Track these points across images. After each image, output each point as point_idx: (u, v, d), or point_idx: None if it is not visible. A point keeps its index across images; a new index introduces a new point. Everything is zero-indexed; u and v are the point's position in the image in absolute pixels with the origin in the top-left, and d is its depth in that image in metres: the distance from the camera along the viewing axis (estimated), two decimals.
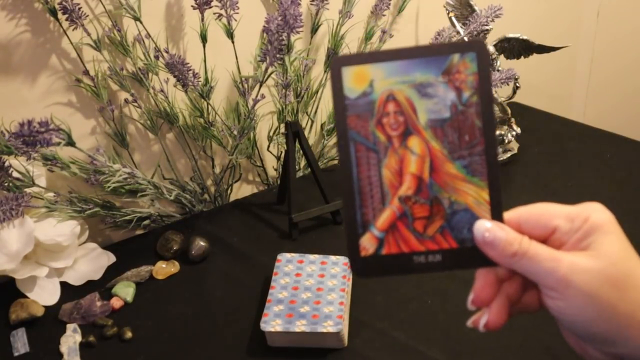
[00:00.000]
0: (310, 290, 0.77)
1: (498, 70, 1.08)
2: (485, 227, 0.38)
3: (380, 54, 0.39)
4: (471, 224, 0.39)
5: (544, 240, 0.39)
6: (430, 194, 0.39)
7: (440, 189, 0.39)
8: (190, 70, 0.87)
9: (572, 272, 0.36)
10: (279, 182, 1.04)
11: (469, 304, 0.41)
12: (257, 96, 0.94)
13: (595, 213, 0.39)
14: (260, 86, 0.92)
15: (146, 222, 0.97)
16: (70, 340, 0.76)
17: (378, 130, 0.39)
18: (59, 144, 0.75)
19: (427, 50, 0.39)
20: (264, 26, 0.85)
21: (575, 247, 0.38)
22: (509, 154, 1.15)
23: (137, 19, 0.88)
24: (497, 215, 0.39)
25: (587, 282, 0.36)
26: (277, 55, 0.86)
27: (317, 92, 1.08)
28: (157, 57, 0.92)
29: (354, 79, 0.39)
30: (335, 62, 0.39)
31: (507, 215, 0.40)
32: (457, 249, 0.40)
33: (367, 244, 0.40)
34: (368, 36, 1.13)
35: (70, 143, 0.77)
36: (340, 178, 0.40)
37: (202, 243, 0.90)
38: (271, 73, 0.91)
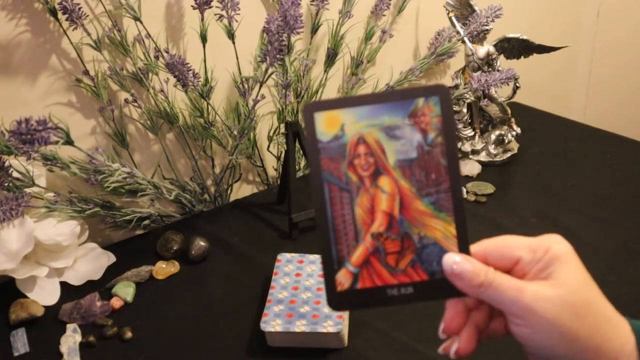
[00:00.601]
0: (310, 290, 0.77)
1: (498, 70, 1.08)
2: (453, 260, 0.40)
3: (350, 99, 0.42)
4: (440, 257, 0.41)
5: (508, 271, 0.41)
6: (401, 229, 0.42)
7: (410, 224, 0.42)
8: (190, 70, 0.87)
9: (535, 300, 0.39)
10: (279, 182, 1.04)
11: (440, 333, 0.43)
12: (257, 96, 0.94)
13: (555, 245, 0.41)
14: (261, 86, 0.92)
15: (146, 222, 0.97)
16: (70, 340, 0.75)
17: (350, 171, 0.41)
18: (57, 142, 0.74)
19: (394, 95, 0.41)
20: (264, 27, 0.85)
21: (537, 277, 0.40)
22: (509, 154, 1.15)
23: (137, 19, 0.88)
24: (464, 249, 0.41)
25: (549, 309, 0.39)
26: (277, 56, 0.86)
27: (317, 92, 1.08)
28: (157, 57, 0.92)
29: (326, 124, 0.41)
30: (308, 108, 0.41)
31: (474, 248, 0.42)
32: (427, 281, 0.41)
33: (343, 279, 0.41)
34: (368, 36, 1.13)
35: (69, 142, 0.77)
36: (316, 217, 0.42)
37: (202, 243, 0.90)
38: (271, 73, 0.91)
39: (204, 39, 0.92)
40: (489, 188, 1.05)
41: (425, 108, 0.41)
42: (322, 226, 0.42)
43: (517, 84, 1.13)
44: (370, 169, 0.41)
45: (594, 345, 0.40)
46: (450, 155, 0.41)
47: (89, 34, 0.86)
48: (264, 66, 0.90)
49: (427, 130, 0.41)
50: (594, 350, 0.40)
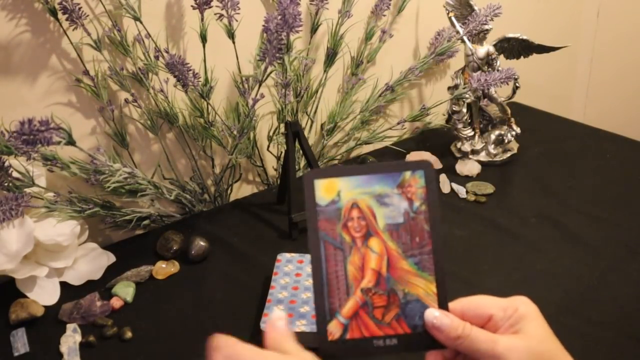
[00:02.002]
0: (310, 290, 0.77)
1: (498, 70, 1.08)
2: (433, 315, 0.45)
3: (347, 169, 0.47)
4: (422, 312, 0.46)
5: (482, 326, 0.46)
6: (388, 286, 0.46)
7: (395, 282, 0.46)
8: (190, 70, 0.87)
9: (507, 350, 0.44)
10: (279, 182, 1.04)
11: None
12: (256, 96, 0.94)
13: (523, 305, 0.46)
14: (260, 86, 0.92)
15: (146, 222, 0.97)
16: (70, 340, 0.75)
17: (344, 232, 0.46)
18: (59, 143, 0.75)
19: (385, 168, 0.47)
20: (263, 25, 0.85)
21: (508, 331, 0.46)
22: (509, 154, 1.15)
23: (137, 19, 0.88)
24: (443, 305, 0.46)
25: (520, 357, 0.44)
26: (277, 55, 0.86)
27: (316, 92, 1.08)
28: (157, 57, 0.92)
29: (325, 190, 0.47)
30: (309, 176, 0.47)
31: (452, 305, 0.47)
32: (410, 334, 0.46)
33: (334, 329, 0.46)
34: (368, 36, 1.13)
35: (71, 142, 0.77)
36: (312, 272, 0.46)
37: (202, 243, 0.90)
38: (270, 72, 0.91)
39: (203, 38, 0.92)
40: (488, 188, 1.05)
41: (411, 180, 0.47)
42: (317, 281, 0.46)
43: (517, 84, 1.13)
44: (362, 231, 0.46)
45: None
46: (433, 221, 0.47)
47: (89, 34, 0.86)
48: (263, 65, 0.90)
49: (413, 199, 0.47)
50: None
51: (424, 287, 0.46)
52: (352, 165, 0.49)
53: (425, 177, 0.47)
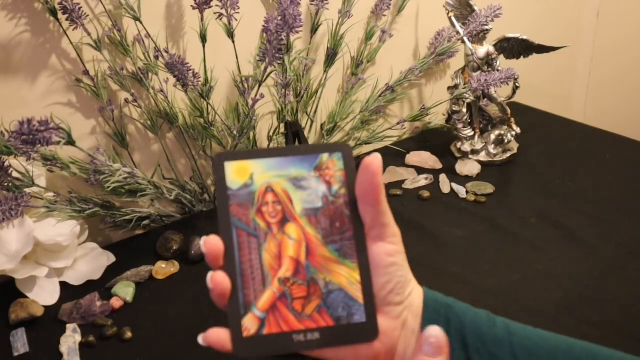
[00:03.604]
0: None
1: (498, 70, 1.08)
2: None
3: (259, 152, 0.45)
4: (345, 303, 0.43)
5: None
6: (307, 275, 0.43)
7: (316, 270, 0.43)
8: (190, 70, 0.87)
9: None
10: None
11: None
12: (256, 96, 0.94)
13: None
14: (260, 86, 0.92)
15: (146, 222, 0.97)
16: (70, 340, 0.75)
17: (258, 218, 0.43)
18: (59, 143, 0.75)
19: (300, 150, 0.44)
20: (263, 26, 0.85)
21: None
22: (508, 154, 1.15)
23: (137, 19, 0.88)
24: (367, 294, 0.43)
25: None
26: (277, 55, 0.86)
27: (316, 92, 1.08)
28: (157, 57, 0.92)
29: (236, 173, 0.43)
30: (218, 158, 0.44)
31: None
32: (333, 327, 0.42)
33: (249, 324, 0.42)
34: (368, 36, 1.13)
35: (70, 142, 0.77)
36: (224, 262, 0.42)
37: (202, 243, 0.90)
38: (270, 72, 0.91)
39: (203, 38, 0.92)
40: (488, 188, 1.05)
41: (329, 162, 0.44)
42: (230, 271, 0.42)
43: (517, 84, 1.13)
44: (278, 216, 0.43)
45: None
46: (353, 205, 0.44)
47: (89, 34, 0.86)
48: (263, 65, 0.90)
49: (332, 183, 0.44)
50: None
51: (347, 275, 0.43)
52: (266, 148, 0.46)
53: (344, 159, 0.45)
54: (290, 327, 0.42)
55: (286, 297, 0.42)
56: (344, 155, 0.45)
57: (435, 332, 0.41)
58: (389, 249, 0.44)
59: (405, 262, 0.45)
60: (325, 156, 0.44)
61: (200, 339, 0.42)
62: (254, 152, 0.45)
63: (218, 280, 0.41)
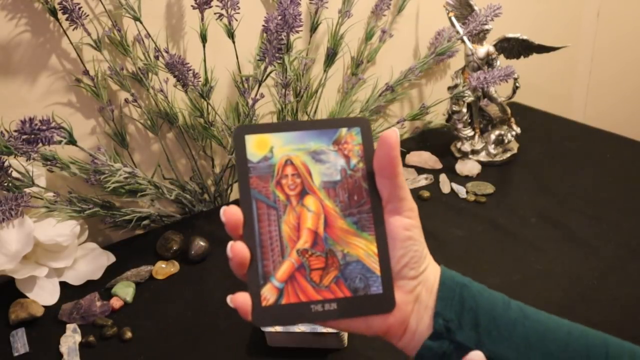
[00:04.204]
0: None
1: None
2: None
3: (278, 125, 0.45)
4: (363, 274, 0.43)
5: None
6: (325, 246, 0.44)
7: (334, 242, 0.44)
8: (190, 70, 0.87)
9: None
10: None
11: None
12: (256, 95, 0.94)
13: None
14: (259, 85, 0.92)
15: (146, 222, 0.97)
16: (70, 340, 0.75)
17: (278, 190, 0.44)
18: (60, 142, 0.75)
19: (319, 124, 0.45)
20: (263, 25, 0.85)
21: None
22: (508, 154, 1.15)
23: (137, 19, 0.88)
24: (384, 266, 0.44)
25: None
26: (276, 55, 0.86)
27: (316, 91, 1.08)
28: (157, 57, 0.92)
29: (256, 146, 0.44)
30: (239, 130, 0.44)
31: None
32: (350, 298, 0.43)
33: (268, 294, 0.43)
34: (368, 36, 1.13)
35: (72, 141, 0.77)
36: (243, 233, 0.43)
37: (202, 243, 0.90)
38: (270, 72, 0.91)
39: (204, 39, 0.92)
40: (488, 188, 1.05)
41: (348, 137, 0.45)
42: (250, 242, 0.43)
43: (517, 84, 1.13)
44: (297, 188, 0.44)
45: None
46: (371, 179, 0.45)
47: (89, 34, 0.86)
48: (262, 65, 0.90)
49: (350, 157, 0.45)
50: None
51: (364, 247, 0.44)
52: (285, 121, 0.46)
53: (362, 133, 0.45)
54: (308, 298, 0.43)
55: (304, 268, 0.43)
56: (362, 130, 0.45)
57: (477, 357, 0.41)
58: (406, 223, 0.44)
59: (421, 237, 0.45)
60: (343, 130, 0.45)
61: (229, 300, 0.43)
62: (274, 126, 0.44)
63: (237, 249, 0.42)
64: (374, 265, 0.43)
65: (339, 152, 0.45)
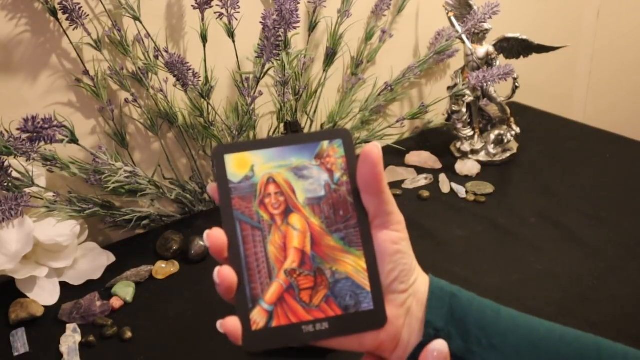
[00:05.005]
0: None
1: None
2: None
3: (258, 142, 0.43)
4: (352, 291, 0.42)
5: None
6: (314, 265, 0.42)
7: (322, 260, 0.43)
8: (190, 69, 0.87)
9: None
10: None
11: None
12: (254, 93, 0.94)
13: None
14: (258, 82, 0.92)
15: (146, 222, 0.97)
16: (70, 340, 0.76)
17: (261, 210, 0.43)
18: (62, 141, 0.75)
19: (300, 138, 0.44)
20: (261, 22, 0.85)
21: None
22: (508, 154, 1.15)
23: (137, 19, 0.88)
24: (374, 281, 0.43)
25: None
26: (274, 52, 0.86)
27: (316, 91, 1.08)
28: (157, 57, 0.92)
29: (236, 165, 0.43)
30: (218, 150, 0.43)
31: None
32: (342, 316, 0.42)
33: (258, 317, 0.41)
34: (368, 36, 1.13)
35: (74, 140, 0.77)
36: (229, 256, 0.42)
37: (202, 243, 0.90)
38: (268, 69, 0.90)
39: (204, 38, 0.92)
40: (488, 188, 1.05)
41: (330, 150, 0.44)
42: (235, 265, 0.42)
43: (517, 84, 1.13)
44: (281, 207, 0.43)
45: None
46: (356, 192, 0.43)
47: (89, 34, 0.86)
48: (260, 62, 0.90)
49: (333, 170, 0.43)
50: None
51: (353, 263, 0.43)
52: (265, 138, 0.44)
53: (345, 146, 0.44)
54: (299, 319, 0.42)
55: (293, 289, 0.42)
56: (344, 142, 0.44)
57: (439, 346, 0.41)
58: (394, 237, 0.44)
59: (409, 250, 0.45)
60: (325, 144, 0.44)
61: (218, 325, 0.41)
62: (253, 143, 0.43)
63: (224, 274, 0.41)
64: (364, 281, 0.43)
65: (321, 167, 0.44)
